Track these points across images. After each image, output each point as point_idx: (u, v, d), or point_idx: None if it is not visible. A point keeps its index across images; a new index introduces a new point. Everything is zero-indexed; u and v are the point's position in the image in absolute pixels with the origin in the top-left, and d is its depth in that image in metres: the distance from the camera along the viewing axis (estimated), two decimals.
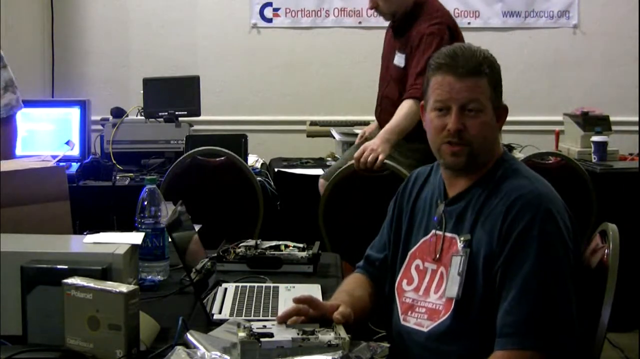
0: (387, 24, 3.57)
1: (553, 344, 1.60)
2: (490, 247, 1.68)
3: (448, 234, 1.78)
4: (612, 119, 4.19)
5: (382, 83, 3.55)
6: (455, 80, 1.73)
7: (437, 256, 1.78)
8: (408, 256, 1.86)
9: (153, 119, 4.01)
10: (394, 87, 3.42)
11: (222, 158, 3.46)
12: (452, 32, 3.35)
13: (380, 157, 3.11)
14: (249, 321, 1.68)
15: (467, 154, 1.75)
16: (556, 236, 1.65)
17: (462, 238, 1.74)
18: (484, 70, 1.74)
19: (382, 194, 3.19)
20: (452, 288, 1.71)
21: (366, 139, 3.69)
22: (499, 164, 1.79)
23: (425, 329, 1.75)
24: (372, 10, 3.46)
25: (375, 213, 3.15)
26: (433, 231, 1.81)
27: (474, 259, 1.70)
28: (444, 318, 1.72)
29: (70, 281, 1.59)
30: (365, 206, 3.20)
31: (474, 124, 1.73)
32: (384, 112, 3.46)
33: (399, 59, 3.38)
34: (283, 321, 1.65)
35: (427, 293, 1.78)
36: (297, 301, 1.69)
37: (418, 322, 1.77)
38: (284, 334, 1.59)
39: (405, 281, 1.84)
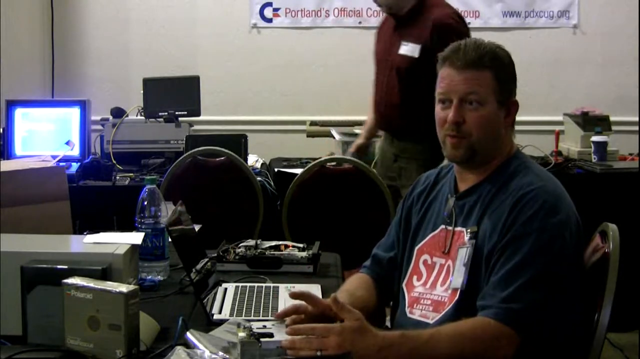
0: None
1: (531, 331, 1.60)
2: (493, 239, 1.69)
3: (457, 229, 1.78)
4: (612, 119, 4.18)
5: (380, 79, 3.52)
6: (455, 72, 1.75)
7: (447, 249, 1.79)
8: (415, 252, 1.87)
9: (153, 119, 4.01)
10: (394, 77, 3.41)
11: (222, 158, 3.46)
12: (462, 18, 3.49)
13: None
14: (249, 321, 1.69)
15: (466, 147, 1.76)
16: (557, 232, 1.66)
17: (468, 230, 1.75)
18: (484, 63, 1.74)
19: (347, 190, 3.28)
20: (457, 278, 1.72)
21: (367, 138, 3.72)
22: (510, 160, 1.79)
23: (430, 321, 1.75)
24: (380, 8, 3.46)
25: (343, 208, 3.26)
26: (442, 226, 1.82)
27: (479, 250, 1.71)
28: (447, 308, 1.73)
29: (70, 281, 1.59)
30: (332, 202, 3.28)
31: (473, 116, 1.74)
32: (388, 106, 3.47)
33: (410, 49, 3.35)
34: (282, 317, 1.67)
35: (434, 285, 1.79)
36: (293, 295, 1.70)
37: (423, 314, 1.78)
38: (284, 334, 1.59)
39: (415, 277, 1.85)
